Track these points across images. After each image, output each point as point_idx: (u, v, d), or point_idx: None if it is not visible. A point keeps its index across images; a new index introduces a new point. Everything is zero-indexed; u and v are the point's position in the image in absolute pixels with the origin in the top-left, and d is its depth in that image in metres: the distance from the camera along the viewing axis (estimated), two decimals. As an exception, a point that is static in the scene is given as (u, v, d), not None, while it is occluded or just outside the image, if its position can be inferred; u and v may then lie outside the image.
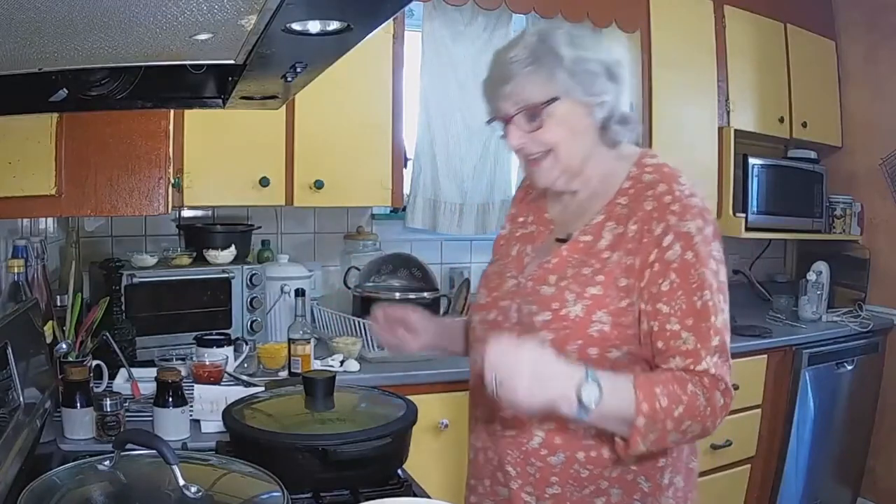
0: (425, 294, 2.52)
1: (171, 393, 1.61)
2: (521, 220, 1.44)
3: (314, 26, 0.81)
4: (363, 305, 2.58)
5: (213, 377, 1.95)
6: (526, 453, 1.27)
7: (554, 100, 1.23)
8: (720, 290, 1.20)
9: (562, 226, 1.34)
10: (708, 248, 1.20)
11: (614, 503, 1.25)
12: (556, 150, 1.26)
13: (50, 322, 1.76)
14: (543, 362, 1.11)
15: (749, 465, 3.02)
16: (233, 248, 2.47)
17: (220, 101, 1.33)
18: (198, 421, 1.71)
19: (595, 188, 1.31)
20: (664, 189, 1.24)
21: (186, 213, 2.70)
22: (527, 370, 1.08)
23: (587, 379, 1.11)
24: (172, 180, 1.63)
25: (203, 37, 0.89)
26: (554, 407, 1.11)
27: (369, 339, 2.42)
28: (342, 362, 2.34)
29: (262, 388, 1.76)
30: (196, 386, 1.86)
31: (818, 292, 3.34)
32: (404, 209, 2.92)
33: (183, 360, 2.08)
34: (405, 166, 2.76)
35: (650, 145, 3.02)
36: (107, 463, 1.07)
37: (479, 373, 1.22)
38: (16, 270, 1.63)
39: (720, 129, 3.20)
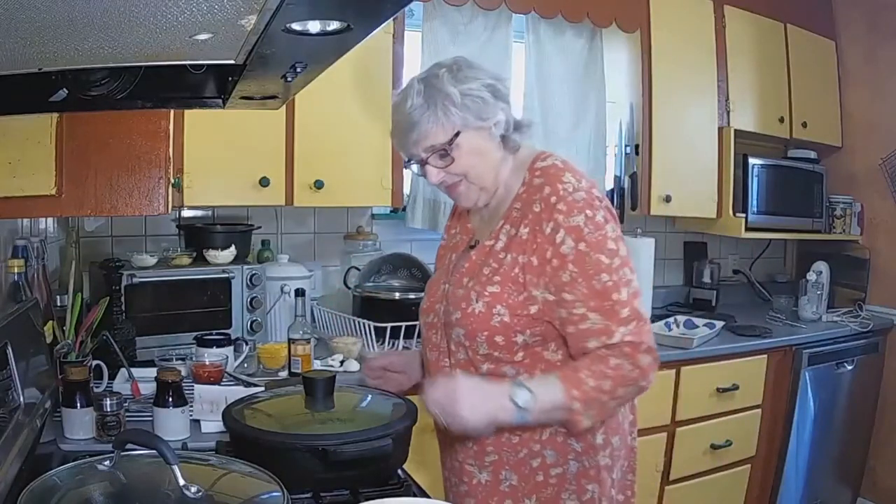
0: (425, 294, 2.52)
1: (171, 393, 1.61)
2: (453, 231, 1.61)
3: (314, 26, 0.81)
4: (363, 305, 2.58)
5: (213, 377, 1.95)
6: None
7: (457, 135, 1.37)
8: (622, 266, 1.34)
9: (478, 234, 1.52)
10: (600, 233, 1.34)
11: (550, 463, 1.40)
12: (468, 176, 1.42)
13: (50, 322, 1.76)
14: (474, 385, 1.32)
15: (749, 465, 3.02)
16: (233, 248, 2.47)
17: (220, 101, 1.33)
18: (198, 421, 1.71)
19: (500, 195, 1.46)
20: (549, 191, 1.37)
21: (186, 213, 2.70)
22: (463, 396, 1.28)
23: (516, 386, 1.30)
24: (172, 180, 1.63)
25: (203, 37, 0.89)
26: (496, 419, 1.30)
27: (369, 339, 2.43)
28: (342, 362, 2.34)
29: (262, 388, 1.76)
30: (196, 386, 1.86)
31: (818, 292, 3.34)
32: (404, 209, 2.92)
33: (183, 360, 2.08)
34: (405, 166, 2.75)
35: (650, 145, 3.02)
36: (107, 463, 1.07)
37: (426, 367, 1.54)
38: (16, 270, 1.63)
39: (720, 129, 3.20)
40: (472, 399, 1.28)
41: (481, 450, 1.43)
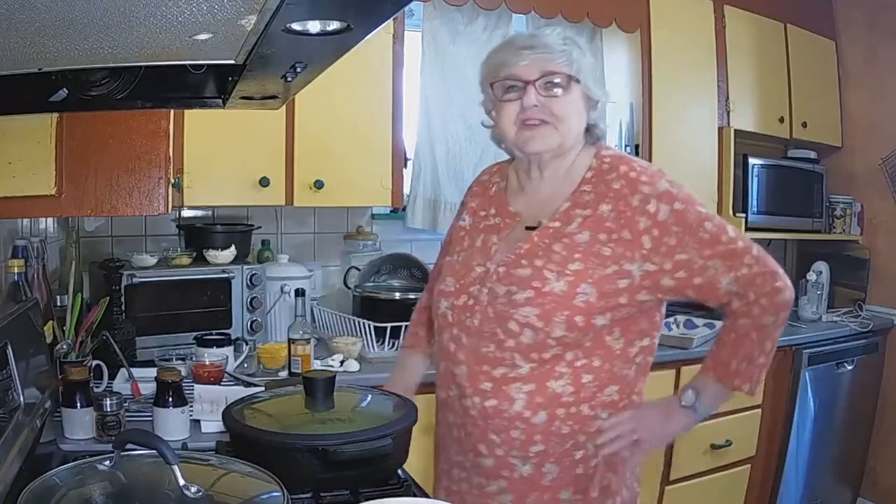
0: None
1: (171, 393, 1.61)
2: (483, 213, 1.51)
3: (314, 26, 0.81)
4: (363, 305, 2.58)
5: (213, 377, 1.95)
6: (510, 419, 1.35)
7: (577, 80, 1.37)
8: (715, 214, 1.39)
9: (529, 218, 1.44)
10: (684, 191, 1.38)
11: (590, 455, 1.38)
12: (560, 123, 1.37)
13: (50, 322, 1.76)
14: (651, 416, 1.42)
15: (749, 465, 3.02)
16: (233, 248, 2.47)
17: (220, 101, 1.33)
18: (198, 421, 1.71)
19: (559, 181, 1.42)
20: (626, 168, 1.38)
21: (186, 213, 2.70)
22: (646, 430, 1.40)
23: (681, 396, 1.43)
24: (172, 180, 1.63)
25: (203, 37, 0.89)
26: (679, 433, 1.47)
27: (369, 339, 2.43)
28: (342, 362, 2.34)
29: (262, 388, 1.76)
30: (196, 386, 1.86)
31: (818, 292, 3.34)
32: (404, 209, 2.92)
33: (183, 360, 2.08)
34: (405, 166, 2.76)
35: (650, 145, 3.02)
36: (107, 463, 1.07)
37: (449, 356, 1.43)
38: (16, 270, 1.63)
39: (720, 129, 3.20)
40: (654, 431, 1.42)
41: (528, 439, 1.35)
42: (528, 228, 1.41)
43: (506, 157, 1.56)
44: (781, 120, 3.38)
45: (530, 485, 1.37)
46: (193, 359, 2.05)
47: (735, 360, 1.39)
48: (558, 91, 1.36)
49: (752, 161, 3.26)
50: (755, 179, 3.26)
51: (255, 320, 2.45)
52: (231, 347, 2.18)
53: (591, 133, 1.44)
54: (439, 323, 1.48)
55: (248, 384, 2.03)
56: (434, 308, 1.50)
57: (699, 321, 2.98)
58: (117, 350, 1.87)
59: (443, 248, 1.67)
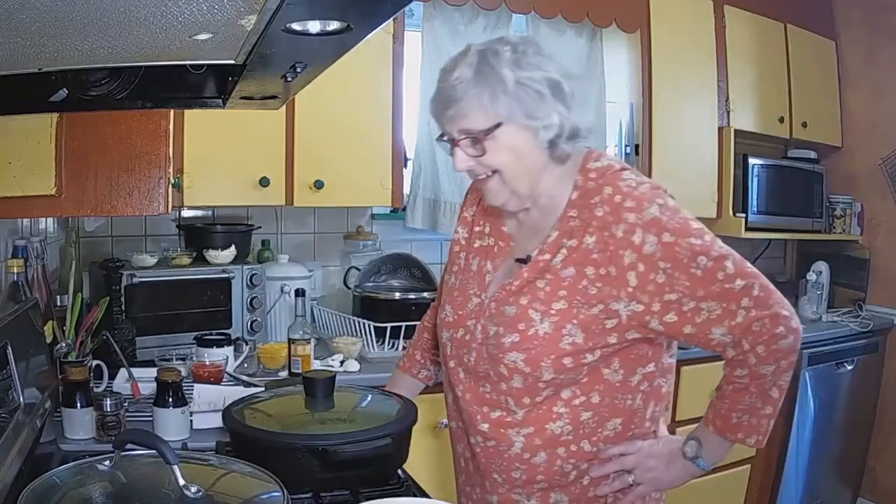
0: (425, 294, 2.52)
1: (171, 393, 1.61)
2: (477, 229, 1.42)
3: (314, 26, 0.81)
4: (363, 305, 2.58)
5: (213, 377, 1.95)
6: (509, 460, 1.30)
7: (497, 126, 1.21)
8: (713, 243, 1.20)
9: (519, 243, 1.34)
10: (679, 217, 1.21)
11: (595, 476, 1.31)
12: (501, 173, 1.25)
13: (50, 322, 1.75)
14: (654, 456, 1.31)
15: (749, 465, 3.02)
16: (233, 248, 2.47)
17: (220, 101, 1.33)
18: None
19: (545, 205, 1.30)
20: (611, 190, 1.23)
21: (186, 213, 2.70)
22: (658, 481, 1.33)
23: (685, 447, 1.30)
24: (172, 180, 1.63)
25: (203, 37, 0.89)
26: (683, 481, 1.35)
27: (369, 339, 2.43)
28: (342, 362, 2.34)
29: (262, 388, 1.76)
30: (196, 386, 1.86)
31: (818, 292, 3.34)
32: (404, 209, 2.92)
33: (183, 360, 2.08)
34: (405, 166, 2.76)
35: (650, 145, 3.02)
36: (107, 463, 1.07)
37: (452, 389, 1.37)
38: (16, 270, 1.62)
39: (720, 129, 3.20)
40: (653, 476, 1.31)
41: (530, 479, 1.29)
42: (518, 261, 1.32)
43: None
44: (781, 120, 3.38)
45: None
46: (193, 359, 2.05)
47: (735, 414, 1.24)
48: (480, 148, 1.23)
49: (752, 161, 3.26)
50: (755, 179, 3.26)
51: (255, 320, 2.45)
52: (231, 347, 2.18)
53: (555, 152, 1.26)
54: (443, 352, 1.42)
55: (248, 384, 2.03)
56: (438, 334, 1.45)
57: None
58: (117, 350, 1.87)
59: (447, 262, 1.57)
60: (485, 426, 1.31)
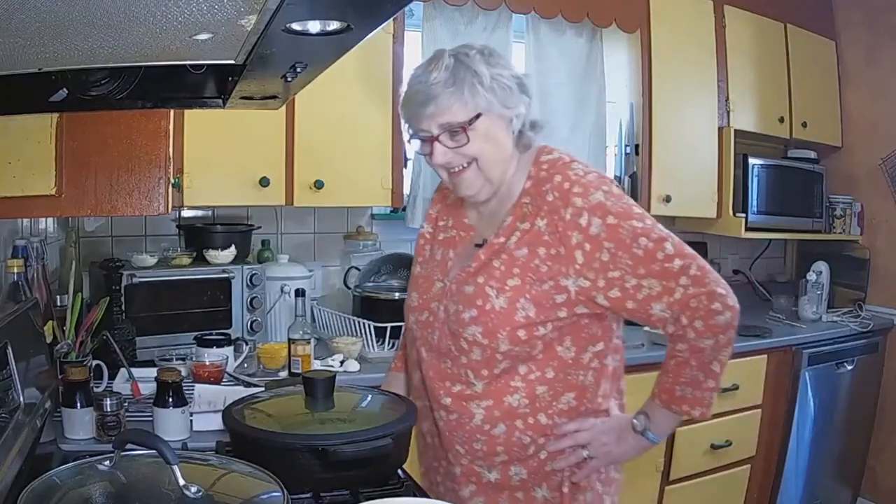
0: (425, 294, 2.52)
1: (171, 393, 1.61)
2: (441, 223, 1.54)
3: (314, 26, 0.81)
4: (363, 305, 2.58)
5: (213, 377, 1.95)
6: (470, 431, 1.39)
7: (478, 116, 1.33)
8: (654, 226, 1.32)
9: (479, 231, 1.46)
10: (623, 202, 1.33)
11: (551, 451, 1.39)
12: (479, 161, 1.36)
13: (50, 322, 1.75)
14: (606, 430, 1.39)
15: (749, 465, 3.02)
16: (233, 248, 2.47)
17: (220, 101, 1.33)
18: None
19: (503, 193, 1.42)
20: (560, 178, 1.35)
21: (186, 213, 2.70)
22: (610, 454, 1.40)
23: (633, 420, 1.39)
24: (172, 180, 1.63)
25: (203, 37, 0.89)
26: (633, 456, 1.42)
27: (369, 339, 2.43)
28: (342, 362, 2.34)
29: (262, 388, 1.76)
30: (196, 386, 1.86)
31: (818, 292, 3.34)
32: (404, 209, 2.92)
33: (183, 360, 2.08)
34: (405, 166, 2.76)
35: (650, 145, 3.02)
36: (107, 463, 1.07)
37: (418, 369, 1.48)
38: (16, 270, 1.62)
39: (720, 129, 3.20)
40: (606, 450, 1.39)
41: (491, 450, 1.39)
42: (476, 245, 1.43)
43: None
44: (781, 120, 3.38)
45: (499, 488, 1.41)
46: (193, 359, 2.05)
47: (679, 387, 1.35)
48: (462, 138, 1.34)
49: (752, 161, 3.26)
50: (755, 179, 3.26)
51: (255, 320, 2.45)
52: (231, 347, 2.18)
53: (521, 140, 1.40)
54: (409, 336, 1.53)
55: (248, 384, 2.03)
56: (405, 321, 1.56)
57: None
58: (117, 350, 1.87)
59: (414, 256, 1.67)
60: (447, 400, 1.40)
